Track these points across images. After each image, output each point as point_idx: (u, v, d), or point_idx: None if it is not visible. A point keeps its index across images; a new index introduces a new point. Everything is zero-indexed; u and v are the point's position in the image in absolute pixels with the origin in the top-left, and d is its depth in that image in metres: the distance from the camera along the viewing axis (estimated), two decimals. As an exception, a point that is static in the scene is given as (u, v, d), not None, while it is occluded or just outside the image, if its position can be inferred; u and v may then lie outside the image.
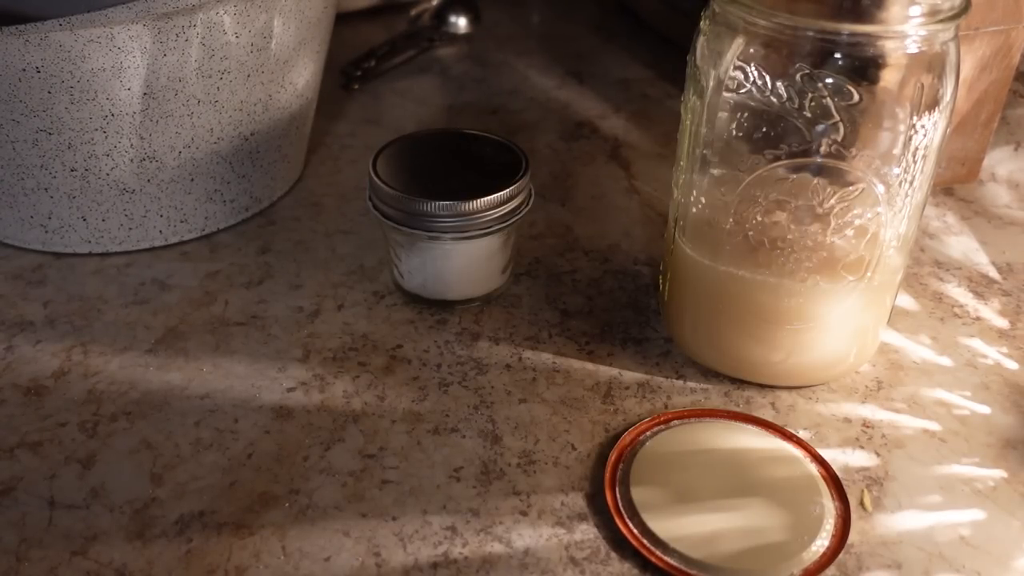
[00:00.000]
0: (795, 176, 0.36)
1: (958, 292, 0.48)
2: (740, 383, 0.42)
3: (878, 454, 0.39)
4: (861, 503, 0.36)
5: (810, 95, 0.34)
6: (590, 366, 0.43)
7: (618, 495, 0.36)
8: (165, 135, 0.47)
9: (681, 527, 0.34)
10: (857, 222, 0.36)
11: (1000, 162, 0.60)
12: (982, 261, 0.51)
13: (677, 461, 0.37)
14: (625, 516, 0.35)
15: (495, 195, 0.43)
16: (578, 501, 0.36)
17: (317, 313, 0.46)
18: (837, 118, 0.34)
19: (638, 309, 0.47)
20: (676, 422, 0.39)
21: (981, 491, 0.37)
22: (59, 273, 0.49)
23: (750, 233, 0.38)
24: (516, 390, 0.42)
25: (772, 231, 0.37)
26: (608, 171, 0.59)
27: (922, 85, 0.34)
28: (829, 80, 0.34)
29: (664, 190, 0.57)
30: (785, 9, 0.33)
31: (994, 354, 0.44)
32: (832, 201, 0.36)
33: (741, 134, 0.36)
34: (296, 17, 0.48)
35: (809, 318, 0.39)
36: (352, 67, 0.71)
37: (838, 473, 0.37)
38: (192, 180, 0.49)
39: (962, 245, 0.52)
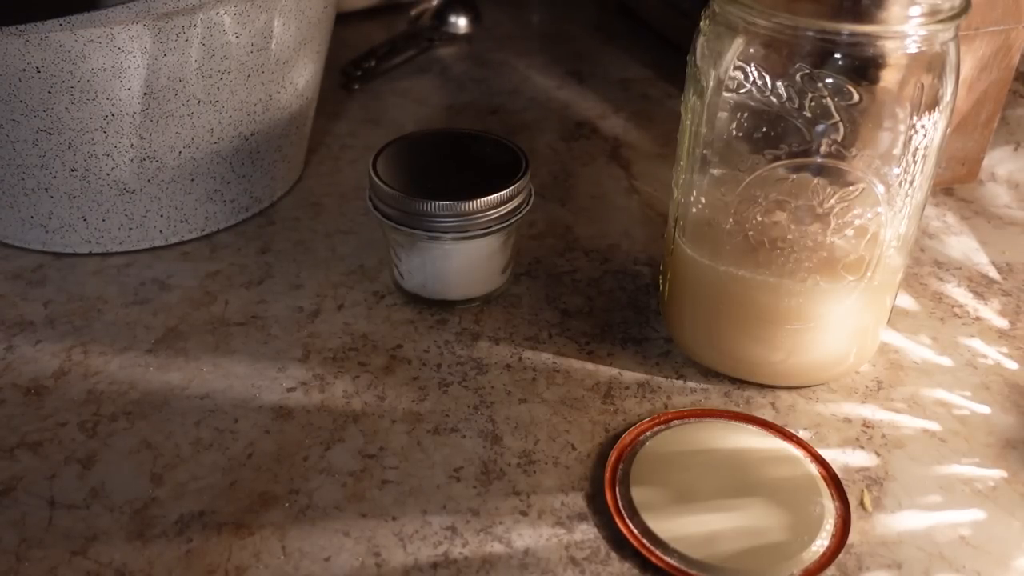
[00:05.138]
0: (795, 176, 0.36)
1: (958, 292, 0.48)
2: (740, 383, 0.42)
3: (878, 454, 0.39)
4: (861, 503, 0.36)
5: (810, 95, 0.34)
6: (590, 366, 0.43)
7: (618, 495, 0.36)
8: (165, 135, 0.47)
9: (681, 527, 0.34)
10: (857, 222, 0.36)
11: (1000, 162, 0.60)
12: (982, 261, 0.51)
13: (677, 461, 0.37)
14: (625, 516, 0.35)
15: (495, 195, 0.43)
16: (578, 501, 0.36)
17: (317, 313, 0.46)
18: (837, 118, 0.34)
19: (638, 309, 0.47)
20: (676, 422, 0.39)
21: (981, 491, 0.37)
22: (59, 273, 0.49)
23: (750, 233, 0.38)
24: (516, 390, 0.42)
25: (772, 231, 0.37)
26: (608, 171, 0.59)
27: (922, 85, 0.34)
28: (829, 80, 0.34)
29: (664, 190, 0.57)
30: (785, 9, 0.33)
31: (994, 354, 0.44)
32: (832, 201, 0.36)
33: (741, 134, 0.36)
34: (296, 17, 0.48)
35: (809, 318, 0.39)
36: (352, 67, 0.71)
37: (838, 473, 0.37)
38: (192, 180, 0.49)
39: (962, 245, 0.52)
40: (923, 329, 0.46)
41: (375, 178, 0.44)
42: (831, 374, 0.42)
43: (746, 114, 0.36)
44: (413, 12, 0.82)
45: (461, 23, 0.80)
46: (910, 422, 0.40)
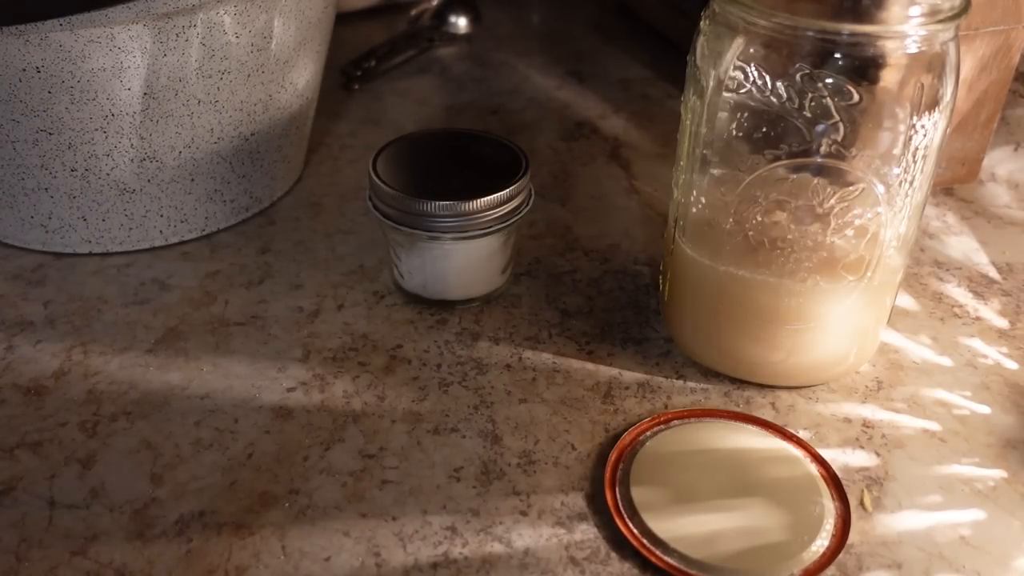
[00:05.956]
0: (795, 176, 0.36)
1: (958, 292, 0.48)
2: (740, 383, 0.42)
3: (878, 454, 0.39)
4: (861, 503, 0.36)
5: (810, 95, 0.34)
6: (590, 366, 0.43)
7: (618, 495, 0.36)
8: (165, 135, 0.47)
9: (681, 527, 0.34)
10: (857, 222, 0.36)
11: (1000, 162, 0.60)
12: (982, 261, 0.51)
13: (677, 461, 0.37)
14: (625, 516, 0.35)
15: (495, 195, 0.43)
16: (578, 501, 0.36)
17: (317, 313, 0.46)
18: (837, 118, 0.34)
19: (638, 309, 0.47)
20: (676, 422, 0.39)
21: (981, 491, 0.37)
22: (59, 273, 0.49)
23: (750, 233, 0.38)
24: (516, 390, 0.42)
25: (772, 231, 0.37)
26: (608, 171, 0.59)
27: (922, 85, 0.34)
28: (829, 80, 0.34)
29: (664, 190, 0.57)
30: (785, 9, 0.33)
31: (994, 354, 0.44)
32: (832, 201, 0.36)
33: (741, 134, 0.36)
34: (296, 17, 0.48)
35: (809, 318, 0.39)
36: (352, 67, 0.71)
37: (838, 473, 0.37)
38: (192, 180, 0.49)
39: (962, 245, 0.52)
40: (923, 329, 0.46)
41: (375, 178, 0.44)
42: (831, 374, 0.42)
43: (746, 114, 0.36)
44: (413, 12, 0.82)
45: (461, 23, 0.80)
46: (910, 422, 0.40)
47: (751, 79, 0.35)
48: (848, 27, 0.33)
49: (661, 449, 0.38)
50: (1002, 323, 0.46)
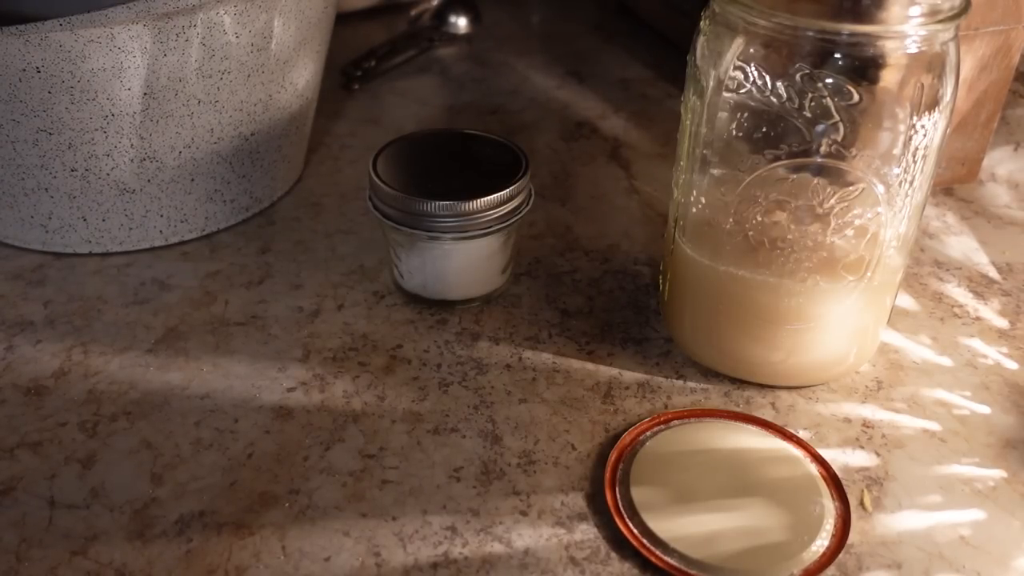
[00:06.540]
0: (795, 176, 0.36)
1: (958, 292, 0.48)
2: (740, 383, 0.42)
3: (878, 454, 0.39)
4: (861, 503, 0.36)
5: (810, 95, 0.34)
6: (590, 366, 0.43)
7: (618, 495, 0.36)
8: (165, 135, 0.47)
9: (681, 527, 0.34)
10: (857, 222, 0.36)
11: (1000, 162, 0.60)
12: (982, 261, 0.51)
13: (677, 461, 0.37)
14: (625, 516, 0.35)
15: (495, 195, 0.43)
16: (578, 501, 0.36)
17: (317, 313, 0.46)
18: (837, 118, 0.34)
19: (638, 309, 0.47)
20: (676, 422, 0.39)
21: (981, 491, 0.37)
22: (59, 273, 0.49)
23: (750, 233, 0.38)
24: (516, 390, 0.42)
25: (772, 231, 0.37)
26: (608, 171, 0.59)
27: (922, 85, 0.34)
28: (829, 80, 0.34)
29: (664, 190, 0.57)
30: (785, 9, 0.33)
31: (994, 354, 0.44)
32: (832, 201, 0.36)
33: (741, 134, 0.36)
34: (296, 17, 0.48)
35: (809, 318, 0.39)
36: (352, 67, 0.71)
37: (838, 473, 0.37)
38: (192, 180, 0.49)
39: (962, 245, 0.52)
40: (923, 329, 0.46)
41: (375, 178, 0.44)
42: (831, 374, 0.42)
43: (746, 114, 0.36)
44: (413, 12, 0.82)
45: (461, 23, 0.80)
46: (910, 422, 0.40)
47: (751, 79, 0.35)
48: (848, 27, 0.33)
49: (661, 449, 0.38)
50: (1002, 323, 0.46)
